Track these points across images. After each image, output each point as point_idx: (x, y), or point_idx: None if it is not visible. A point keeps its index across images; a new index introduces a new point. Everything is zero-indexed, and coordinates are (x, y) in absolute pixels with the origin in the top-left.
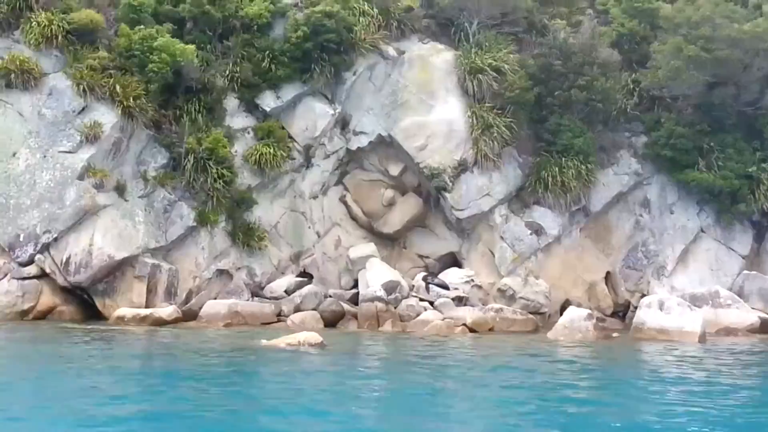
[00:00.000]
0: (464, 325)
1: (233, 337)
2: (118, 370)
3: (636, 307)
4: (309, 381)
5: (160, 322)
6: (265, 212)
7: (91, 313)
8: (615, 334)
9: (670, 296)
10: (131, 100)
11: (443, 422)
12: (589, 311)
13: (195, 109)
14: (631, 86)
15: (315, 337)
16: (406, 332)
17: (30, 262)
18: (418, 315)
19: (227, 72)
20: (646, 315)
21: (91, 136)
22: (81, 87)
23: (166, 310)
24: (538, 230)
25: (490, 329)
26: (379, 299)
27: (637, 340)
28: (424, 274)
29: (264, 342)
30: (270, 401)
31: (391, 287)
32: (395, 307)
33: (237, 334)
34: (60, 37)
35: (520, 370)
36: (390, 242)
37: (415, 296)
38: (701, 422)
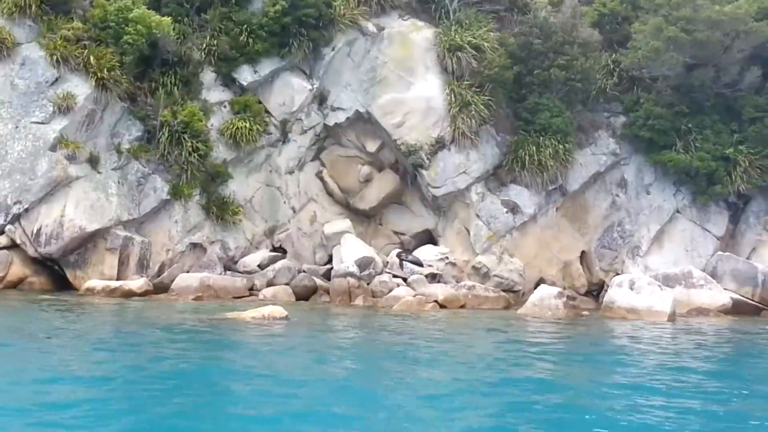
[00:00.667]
0: (435, 301)
1: (200, 310)
2: (76, 341)
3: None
4: (264, 351)
5: (130, 294)
6: (240, 186)
7: (62, 284)
8: (585, 313)
9: (640, 276)
10: (105, 71)
11: (383, 392)
12: (560, 290)
13: (171, 82)
14: (611, 66)
15: (280, 310)
16: (377, 308)
17: (0, 232)
18: (390, 291)
19: (204, 45)
20: (616, 294)
21: (64, 107)
22: (54, 57)
23: (136, 283)
24: (513, 209)
25: (462, 306)
26: (352, 275)
27: (606, 319)
28: (398, 250)
29: (228, 315)
30: (217, 368)
31: (364, 263)
32: (368, 283)
33: (205, 307)
34: (34, 7)
35: (470, 345)
36: (366, 219)
37: (389, 272)
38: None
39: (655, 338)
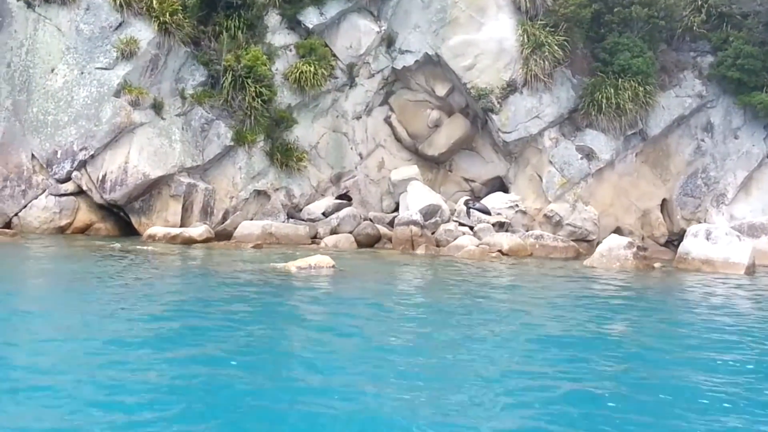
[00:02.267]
0: (500, 251)
1: (254, 260)
2: (111, 287)
3: None
4: (288, 303)
5: (191, 242)
6: (306, 132)
7: (128, 230)
8: (657, 264)
9: (718, 225)
10: (168, 15)
11: (395, 347)
12: (630, 240)
13: (235, 26)
14: (699, 2)
15: (327, 260)
16: (439, 256)
17: (67, 179)
18: (455, 240)
19: None
20: (691, 244)
21: (128, 53)
22: (118, 2)
23: (197, 230)
24: (589, 154)
25: (529, 255)
26: (415, 223)
27: (679, 271)
28: (466, 198)
29: (275, 265)
30: (230, 319)
31: (431, 211)
32: (433, 232)
33: (260, 256)
34: None
35: (509, 294)
36: (435, 165)
37: (456, 221)
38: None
39: (723, 295)
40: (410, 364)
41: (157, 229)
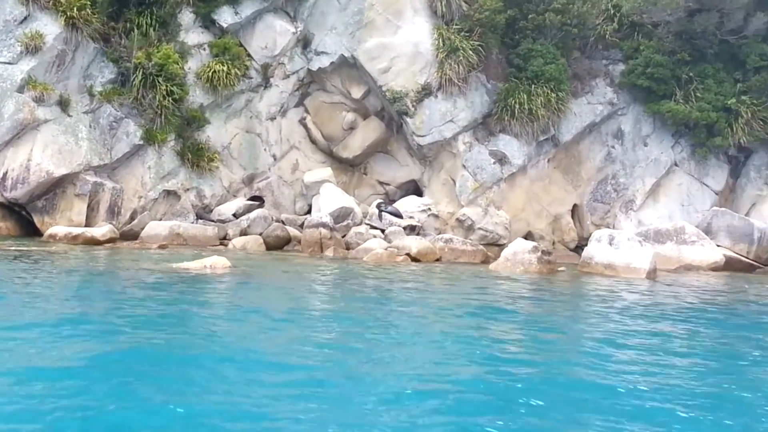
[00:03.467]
0: (408, 254)
1: (151, 260)
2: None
3: None
4: (173, 303)
5: (93, 242)
6: (218, 132)
7: (31, 230)
8: (561, 269)
9: (620, 231)
10: (75, 10)
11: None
12: (535, 244)
13: (147, 23)
14: (612, 11)
15: (224, 261)
16: (346, 259)
17: None
18: (365, 242)
19: None
20: (594, 249)
21: (33, 47)
22: None
23: (100, 230)
24: (502, 159)
25: (437, 260)
26: (324, 225)
27: (581, 275)
28: (378, 201)
29: (170, 265)
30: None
31: (343, 214)
32: (344, 235)
33: (162, 256)
34: None
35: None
36: (350, 168)
37: (368, 224)
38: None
39: (614, 297)
40: (243, 372)
41: (59, 229)
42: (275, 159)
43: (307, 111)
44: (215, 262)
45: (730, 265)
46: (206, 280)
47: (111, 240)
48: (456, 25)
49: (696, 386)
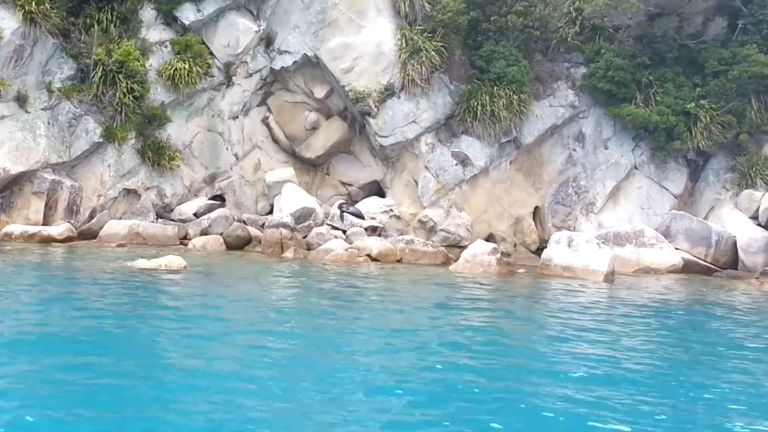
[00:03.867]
0: (368, 255)
1: (106, 259)
2: None
3: None
4: (115, 300)
5: (50, 240)
6: (179, 131)
7: None
8: (521, 270)
9: (579, 233)
10: (33, 4)
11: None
12: (494, 246)
13: (107, 19)
14: (574, 14)
15: (179, 261)
16: (305, 260)
17: None
18: (325, 243)
19: None
20: (553, 251)
21: None
22: None
23: (56, 228)
24: (464, 161)
25: (398, 261)
26: (284, 225)
27: (540, 277)
28: (340, 201)
29: (124, 264)
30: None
31: (305, 214)
32: (305, 236)
33: (118, 255)
34: None
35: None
36: (313, 168)
37: (330, 224)
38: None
39: (566, 298)
40: (172, 365)
41: (14, 227)
42: (237, 158)
43: (269, 110)
44: (170, 262)
45: (688, 268)
46: (157, 280)
47: (68, 239)
48: (419, 25)
49: (636, 382)
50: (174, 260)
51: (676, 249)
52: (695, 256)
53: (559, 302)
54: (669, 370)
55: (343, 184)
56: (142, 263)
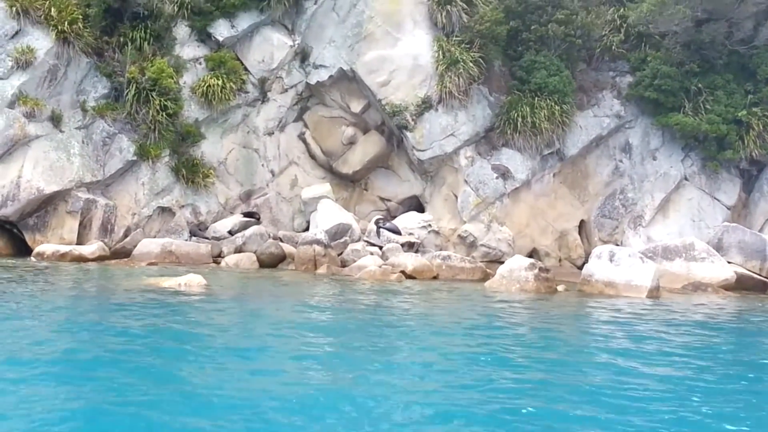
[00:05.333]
0: (402, 272)
1: (132, 277)
2: None
3: None
4: (120, 320)
5: (82, 259)
6: (214, 148)
7: (23, 248)
8: (560, 287)
9: (622, 247)
10: (67, 24)
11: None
12: (532, 261)
13: (141, 37)
14: (618, 22)
15: (199, 279)
16: (338, 277)
17: None
18: (360, 259)
19: None
20: (594, 266)
21: (23, 62)
22: (14, 9)
23: (88, 248)
24: (504, 174)
25: (434, 277)
26: (318, 242)
27: (581, 294)
28: (377, 217)
29: (146, 282)
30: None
31: (341, 230)
32: (340, 253)
33: (147, 273)
34: None
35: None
36: (351, 183)
37: (366, 240)
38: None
39: (601, 321)
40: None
41: (46, 247)
42: (273, 175)
43: (306, 125)
44: (190, 281)
45: (741, 283)
46: (171, 300)
47: (101, 258)
48: (456, 36)
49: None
50: (194, 279)
51: (729, 263)
52: (749, 270)
53: (588, 326)
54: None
55: (382, 199)
56: (161, 282)
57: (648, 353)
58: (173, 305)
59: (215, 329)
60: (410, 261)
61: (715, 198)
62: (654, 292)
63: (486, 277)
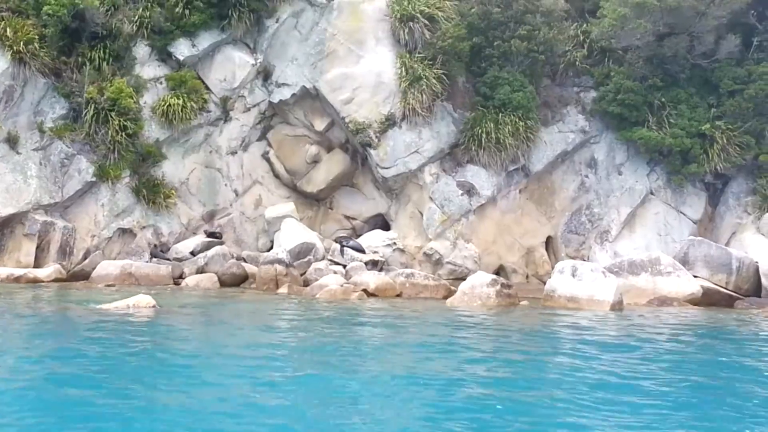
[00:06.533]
0: (364, 290)
1: (81, 299)
2: None
3: None
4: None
5: (37, 282)
6: (175, 168)
7: None
8: (524, 302)
9: (583, 262)
10: (22, 45)
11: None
12: (494, 277)
13: (100, 57)
14: (581, 37)
15: (147, 300)
16: (297, 296)
17: None
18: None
19: (136, 17)
20: (557, 281)
21: None
22: None
23: (44, 271)
24: (470, 190)
25: (398, 295)
26: (280, 261)
27: (542, 309)
28: (339, 236)
29: (94, 306)
30: None
31: (304, 249)
32: (304, 272)
33: (100, 296)
34: None
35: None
36: (315, 202)
37: (330, 259)
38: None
39: (559, 333)
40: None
41: (1, 270)
42: (237, 194)
43: (269, 144)
44: (138, 302)
45: (708, 297)
46: (114, 320)
47: (57, 281)
48: (419, 53)
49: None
50: (143, 300)
51: (695, 276)
52: (716, 284)
53: (544, 338)
54: None
55: (347, 218)
56: (108, 304)
57: (592, 357)
58: (112, 327)
59: (157, 350)
60: (372, 279)
61: (680, 212)
62: (616, 306)
63: (450, 294)
